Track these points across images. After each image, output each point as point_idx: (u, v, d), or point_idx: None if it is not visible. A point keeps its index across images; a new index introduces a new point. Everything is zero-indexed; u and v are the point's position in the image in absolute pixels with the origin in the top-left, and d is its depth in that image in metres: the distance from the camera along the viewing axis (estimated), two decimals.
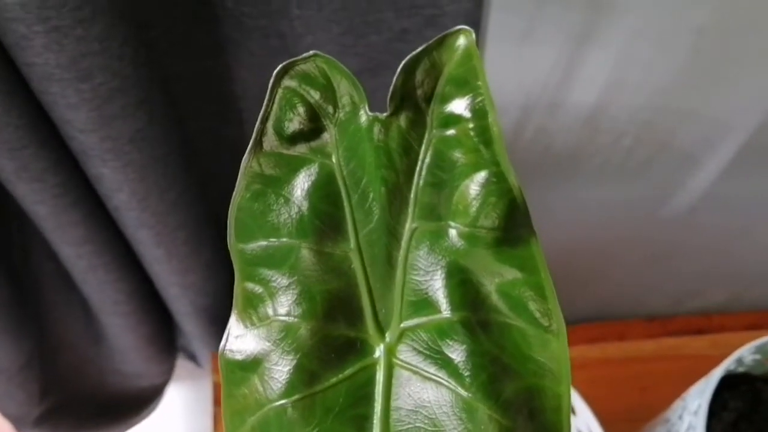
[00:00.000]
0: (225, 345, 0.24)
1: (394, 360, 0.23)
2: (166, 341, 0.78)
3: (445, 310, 0.23)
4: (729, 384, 0.55)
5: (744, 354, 0.51)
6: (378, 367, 0.23)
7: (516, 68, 0.63)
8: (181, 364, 0.90)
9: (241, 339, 0.24)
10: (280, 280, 0.23)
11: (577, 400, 0.48)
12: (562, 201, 0.77)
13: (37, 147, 0.46)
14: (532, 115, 0.67)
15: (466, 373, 0.22)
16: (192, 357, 0.87)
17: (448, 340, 0.23)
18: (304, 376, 0.23)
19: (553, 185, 0.76)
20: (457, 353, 0.23)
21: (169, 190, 0.53)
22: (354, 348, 0.23)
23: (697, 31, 0.60)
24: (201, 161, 0.57)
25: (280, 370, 0.23)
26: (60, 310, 0.68)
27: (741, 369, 0.55)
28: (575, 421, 0.48)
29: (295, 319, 0.23)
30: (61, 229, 0.54)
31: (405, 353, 0.23)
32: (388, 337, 0.24)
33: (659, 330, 0.73)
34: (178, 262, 0.60)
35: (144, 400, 0.88)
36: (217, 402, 0.77)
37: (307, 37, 0.48)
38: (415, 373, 0.23)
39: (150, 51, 0.46)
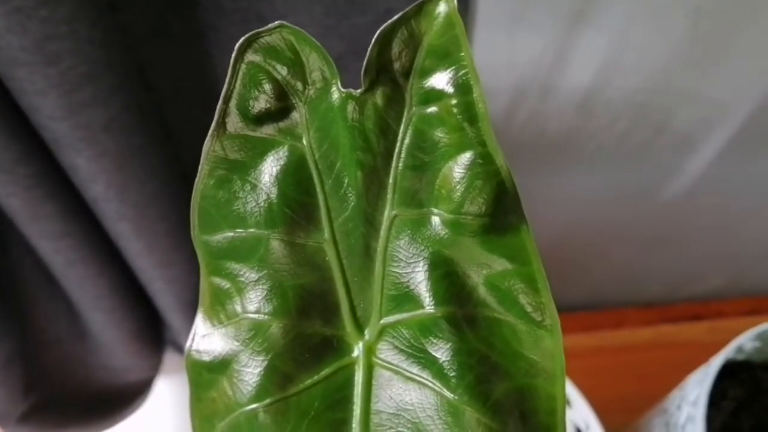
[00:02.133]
0: (191, 345, 0.22)
1: (374, 359, 0.22)
2: (152, 336, 0.76)
3: (429, 305, 0.21)
4: (728, 372, 0.53)
5: (744, 342, 0.50)
6: (356, 367, 0.22)
7: (507, 50, 0.61)
8: (170, 357, 0.88)
9: (208, 338, 0.22)
10: (248, 274, 0.21)
11: (572, 391, 0.46)
12: (555, 187, 0.75)
13: (5, 137, 0.44)
14: (524, 98, 0.65)
15: (452, 374, 0.20)
16: (181, 350, 0.85)
17: (431, 338, 0.21)
18: (277, 379, 0.21)
19: (547, 171, 0.74)
20: (441, 352, 0.21)
21: (149, 181, 0.51)
22: (330, 347, 0.22)
23: (694, 10, 0.58)
24: (182, 151, 0.55)
25: (251, 372, 0.21)
26: (42, 305, 0.67)
27: (741, 357, 0.53)
28: (571, 414, 0.47)
29: (266, 317, 0.21)
30: (37, 223, 0.52)
31: (385, 352, 0.22)
32: (367, 334, 0.22)
33: (656, 317, 0.72)
34: (160, 256, 0.58)
35: (132, 395, 0.86)
36: None
37: (287, 18, 0.46)
38: (397, 373, 0.21)
39: (123, 36, 0.44)
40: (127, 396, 0.86)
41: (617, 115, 0.69)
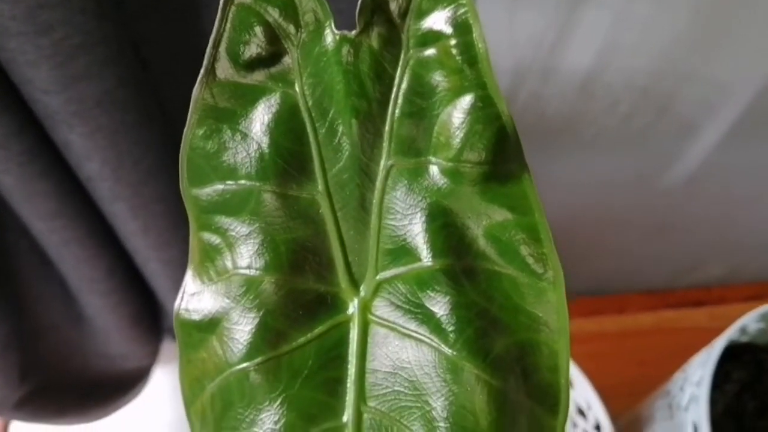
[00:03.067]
0: (180, 304, 0.22)
1: (370, 316, 0.21)
2: (150, 321, 0.75)
3: (426, 258, 0.20)
4: (732, 355, 0.53)
5: (747, 322, 0.49)
6: (352, 324, 0.21)
7: (507, 30, 0.60)
8: (168, 346, 0.88)
9: (197, 297, 0.21)
10: (239, 228, 0.21)
11: (574, 372, 0.46)
12: (556, 171, 0.74)
13: None
14: (524, 80, 0.65)
15: (450, 329, 0.20)
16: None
17: (429, 292, 0.20)
18: (269, 336, 0.20)
19: (547, 155, 0.73)
20: (439, 306, 0.20)
21: (143, 159, 0.51)
22: (324, 304, 0.21)
23: None
24: (177, 129, 0.55)
25: (242, 329, 0.20)
26: (38, 290, 0.66)
27: (744, 338, 0.53)
28: (573, 395, 0.46)
29: (258, 272, 0.20)
30: (31, 202, 0.51)
31: (381, 308, 0.21)
32: (362, 290, 0.21)
33: (658, 303, 0.71)
34: (155, 236, 0.58)
35: (129, 383, 0.85)
36: None
37: None
38: (393, 330, 0.20)
39: (117, 9, 0.44)
40: (125, 384, 0.86)
41: (618, 98, 0.68)
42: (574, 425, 0.46)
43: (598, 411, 0.45)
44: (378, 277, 0.21)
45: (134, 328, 0.73)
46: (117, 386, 0.85)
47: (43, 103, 0.43)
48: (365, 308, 0.21)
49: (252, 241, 0.20)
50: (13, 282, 0.62)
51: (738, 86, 0.69)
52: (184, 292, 0.22)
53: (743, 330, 0.50)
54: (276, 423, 0.20)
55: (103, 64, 0.42)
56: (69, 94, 0.43)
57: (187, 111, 0.56)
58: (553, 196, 0.76)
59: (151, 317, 0.75)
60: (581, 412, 0.46)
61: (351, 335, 0.21)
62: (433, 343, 0.20)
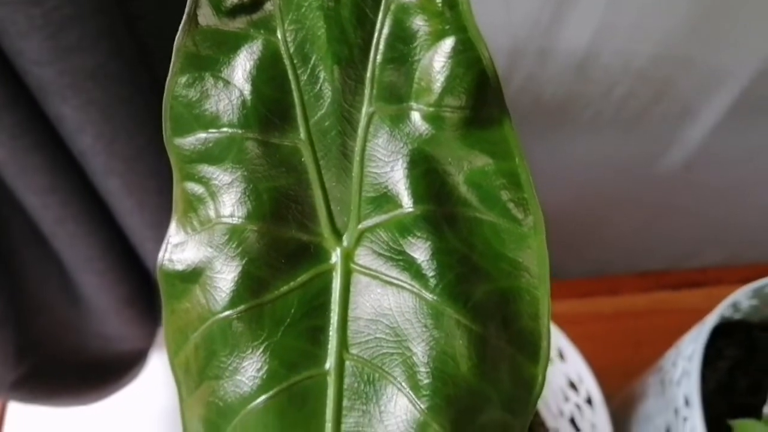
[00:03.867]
0: (164, 255, 0.22)
1: (352, 265, 0.21)
2: (146, 302, 0.75)
3: (407, 205, 0.20)
4: (725, 333, 0.53)
5: (740, 298, 0.49)
6: (334, 273, 0.21)
7: (503, 10, 0.60)
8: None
9: (181, 247, 0.21)
10: (221, 177, 0.21)
11: (566, 345, 0.46)
12: (551, 155, 0.74)
13: None
14: (520, 61, 0.64)
15: (431, 274, 0.20)
16: None
17: (410, 238, 0.20)
18: (251, 284, 0.20)
19: (543, 138, 0.73)
20: (420, 252, 0.20)
21: (138, 134, 0.51)
22: (307, 253, 0.21)
23: None
24: None
25: (224, 278, 0.20)
26: (33, 269, 0.66)
27: (737, 316, 0.53)
28: (565, 368, 0.46)
29: (240, 221, 0.20)
30: (24, 175, 0.51)
31: (363, 257, 0.21)
32: (345, 240, 0.21)
33: (652, 284, 0.71)
34: (150, 215, 0.58)
35: (126, 365, 0.86)
36: None
37: None
38: (375, 278, 0.21)
39: None
40: (122, 367, 0.86)
41: (615, 81, 0.68)
42: (566, 399, 0.47)
43: (589, 384, 0.45)
44: (360, 227, 0.21)
45: (130, 308, 0.73)
46: (114, 368, 0.85)
47: (35, 74, 0.43)
48: (347, 257, 0.21)
49: (234, 189, 0.20)
50: (9, 261, 0.62)
51: (735, 71, 0.69)
52: (167, 243, 0.22)
53: (736, 307, 0.50)
54: (258, 370, 0.20)
55: (95, 36, 0.42)
56: (61, 65, 0.42)
57: None
58: (547, 180, 0.76)
59: (147, 299, 0.75)
60: (573, 386, 0.46)
61: (333, 284, 0.21)
62: (414, 289, 0.20)
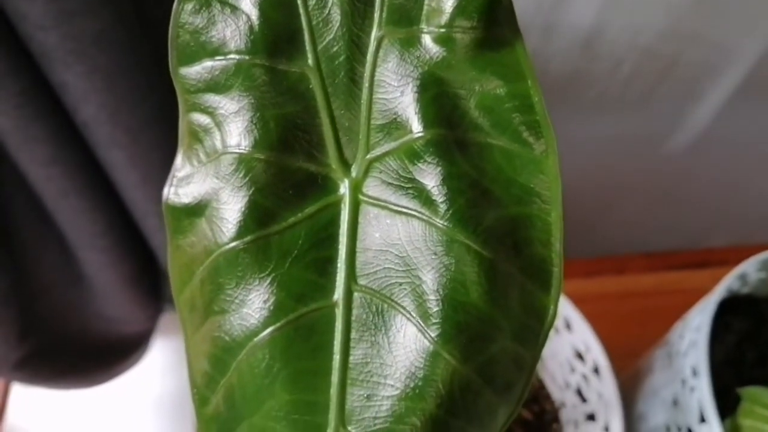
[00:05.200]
0: (169, 190, 0.21)
1: (361, 197, 0.21)
2: (149, 284, 0.75)
3: (418, 129, 0.20)
4: (733, 308, 0.52)
5: (748, 270, 0.48)
6: (342, 205, 0.21)
7: None
8: (168, 318, 0.88)
9: (187, 180, 0.21)
10: (228, 105, 0.20)
11: (572, 313, 0.45)
12: (558, 133, 0.74)
13: None
14: (526, 36, 0.64)
15: (441, 200, 0.19)
16: None
17: (420, 164, 0.20)
18: (259, 215, 0.20)
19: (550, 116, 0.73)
20: (430, 177, 0.20)
21: (142, 103, 0.50)
22: (315, 184, 0.21)
23: None
24: None
25: (231, 208, 0.20)
26: (37, 248, 0.66)
27: (745, 290, 0.52)
28: (571, 339, 0.46)
29: (247, 149, 0.20)
30: (28, 146, 0.51)
31: (372, 188, 0.20)
32: (353, 171, 0.21)
33: (659, 264, 0.71)
34: (154, 189, 0.57)
35: (129, 348, 0.85)
36: None
37: None
38: (384, 208, 0.20)
39: None
40: (124, 350, 0.86)
41: (621, 57, 0.68)
42: (572, 370, 0.46)
43: (596, 353, 0.44)
44: (369, 157, 0.21)
45: (134, 288, 0.72)
46: (116, 351, 0.85)
47: (39, 40, 0.43)
48: (356, 189, 0.21)
49: (241, 118, 0.20)
50: (12, 239, 0.62)
51: (742, 49, 0.69)
52: (173, 177, 0.21)
53: (744, 279, 0.50)
54: (265, 302, 0.20)
55: (99, 1, 0.42)
56: (64, 30, 0.42)
57: None
58: None
59: (151, 279, 0.75)
60: (579, 356, 0.46)
61: (342, 216, 0.20)
62: (424, 217, 0.19)
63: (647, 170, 0.80)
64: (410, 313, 0.19)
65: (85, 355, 0.82)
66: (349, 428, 0.19)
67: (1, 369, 0.73)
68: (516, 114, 0.19)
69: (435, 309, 0.19)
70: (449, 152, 0.19)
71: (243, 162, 0.20)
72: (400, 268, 0.20)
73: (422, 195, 0.20)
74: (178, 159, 0.21)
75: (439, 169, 0.19)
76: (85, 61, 0.45)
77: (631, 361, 0.61)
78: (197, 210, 0.21)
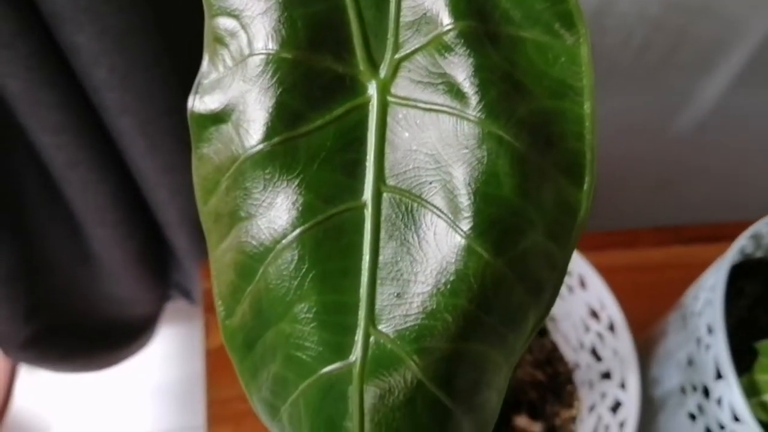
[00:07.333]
0: (194, 98, 0.21)
1: (389, 98, 0.20)
2: (156, 262, 0.74)
3: (448, 22, 0.19)
4: (745, 273, 0.52)
5: (761, 229, 0.48)
6: (371, 107, 0.20)
7: None
8: (175, 306, 0.87)
9: (213, 86, 0.21)
10: (254, 6, 0.20)
11: (587, 270, 0.45)
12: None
13: (3, 6, 0.43)
14: None
15: (473, 91, 0.19)
16: (186, 293, 0.84)
17: (450, 56, 0.19)
18: (286, 116, 0.20)
19: None
20: (461, 70, 0.19)
21: (154, 67, 0.50)
22: (343, 86, 0.20)
23: None
24: (192, 38, 0.54)
25: (258, 110, 0.20)
26: (45, 226, 0.65)
27: (759, 253, 0.52)
28: (586, 297, 0.45)
29: (274, 49, 0.20)
30: (38, 111, 0.51)
31: (401, 88, 0.20)
32: (381, 72, 0.20)
33: (669, 238, 0.70)
34: (164, 158, 0.57)
35: (134, 332, 0.85)
36: (208, 337, 0.72)
37: None
38: (414, 107, 0.20)
39: None
40: (131, 333, 0.85)
41: (631, 30, 0.67)
42: (587, 329, 0.46)
43: (612, 309, 0.44)
44: (397, 56, 0.20)
45: (141, 267, 0.72)
46: (123, 334, 0.84)
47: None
48: (384, 90, 0.20)
49: (268, 18, 0.20)
50: (21, 218, 0.61)
51: (751, 23, 0.68)
52: (198, 84, 0.21)
53: (757, 241, 0.50)
54: (294, 204, 0.20)
55: None
56: None
57: (202, 19, 0.56)
58: None
59: (157, 256, 0.75)
60: (594, 314, 0.45)
61: (370, 118, 0.20)
62: (455, 111, 0.19)
63: (656, 147, 0.80)
64: (441, 210, 0.19)
65: (91, 337, 0.81)
66: (380, 327, 0.19)
67: (8, 348, 0.72)
68: (548, 5, 0.19)
69: (466, 203, 0.19)
70: (481, 44, 0.19)
71: (270, 62, 0.20)
72: (430, 167, 0.19)
73: (453, 89, 0.19)
74: (204, 65, 0.21)
75: (470, 60, 0.19)
76: (96, 22, 0.45)
77: (641, 334, 0.60)
78: (224, 116, 0.20)
